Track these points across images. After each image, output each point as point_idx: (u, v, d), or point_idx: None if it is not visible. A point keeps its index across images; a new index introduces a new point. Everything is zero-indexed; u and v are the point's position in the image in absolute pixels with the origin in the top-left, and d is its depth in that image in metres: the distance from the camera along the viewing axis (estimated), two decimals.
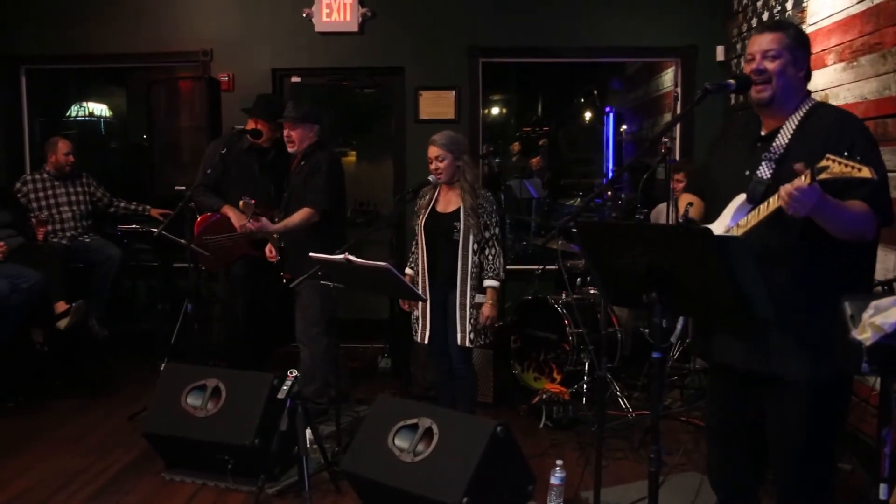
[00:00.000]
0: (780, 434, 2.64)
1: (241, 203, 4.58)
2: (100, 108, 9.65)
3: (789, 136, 2.52)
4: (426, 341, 4.35)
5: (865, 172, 2.13)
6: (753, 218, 2.44)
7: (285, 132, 4.77)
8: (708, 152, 3.07)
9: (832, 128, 2.44)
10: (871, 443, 3.90)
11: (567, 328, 5.28)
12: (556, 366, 5.39)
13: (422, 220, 4.32)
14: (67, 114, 9.26)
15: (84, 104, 9.48)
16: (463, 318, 4.18)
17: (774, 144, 2.54)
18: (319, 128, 4.82)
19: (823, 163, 2.18)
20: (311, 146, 4.77)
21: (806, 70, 2.59)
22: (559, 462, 3.75)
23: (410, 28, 6.59)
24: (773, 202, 2.36)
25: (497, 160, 7.34)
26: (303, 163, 4.78)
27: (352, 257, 3.75)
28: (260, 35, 6.63)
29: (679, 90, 6.68)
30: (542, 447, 4.53)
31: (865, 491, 3.62)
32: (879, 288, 3.47)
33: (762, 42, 2.56)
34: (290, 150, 4.81)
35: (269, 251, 4.89)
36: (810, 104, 2.57)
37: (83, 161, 6.27)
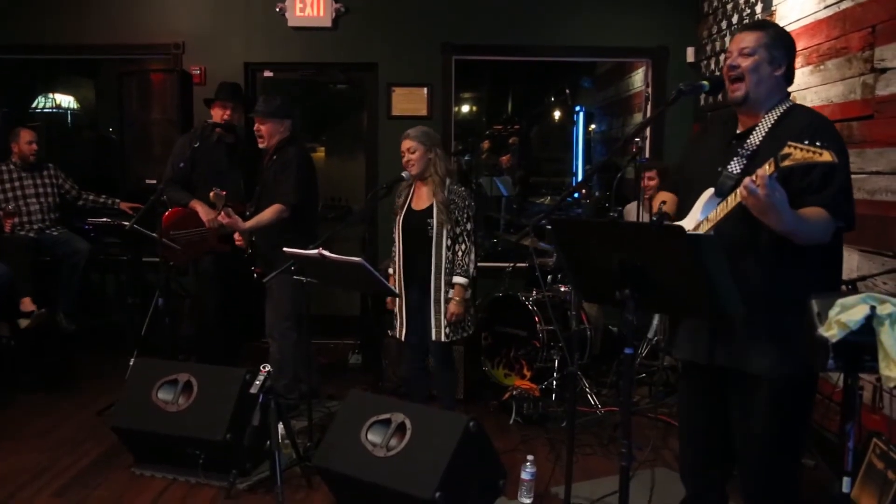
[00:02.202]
0: (746, 429, 2.69)
1: (211, 194, 4.54)
2: (67, 100, 9.51)
3: (763, 135, 2.56)
4: (404, 338, 4.37)
5: (827, 156, 2.17)
6: (721, 210, 2.48)
7: (255, 126, 4.75)
8: (686, 150, 3.12)
9: (805, 128, 2.47)
10: (834, 439, 3.98)
11: (537, 325, 5.32)
12: (526, 362, 5.42)
13: (399, 219, 4.33)
14: (34, 105, 9.12)
15: (51, 95, 9.34)
16: (437, 312, 4.19)
17: (748, 142, 2.58)
18: (291, 122, 4.81)
19: (786, 150, 2.22)
20: (283, 141, 4.75)
21: (785, 70, 2.62)
22: (530, 457, 3.79)
23: (384, 24, 6.59)
24: (732, 200, 2.42)
25: (466, 158, 7.36)
26: (274, 157, 4.76)
27: (326, 252, 3.75)
28: (232, 29, 6.60)
29: (650, 91, 6.76)
30: (513, 443, 4.56)
31: (828, 486, 3.70)
32: (844, 287, 3.54)
33: (740, 40, 2.61)
34: (259, 144, 4.79)
35: (237, 236, 4.81)
36: (787, 105, 2.61)
37: (50, 153, 6.18)
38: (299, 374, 4.75)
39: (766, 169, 2.25)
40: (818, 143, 2.19)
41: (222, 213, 4.55)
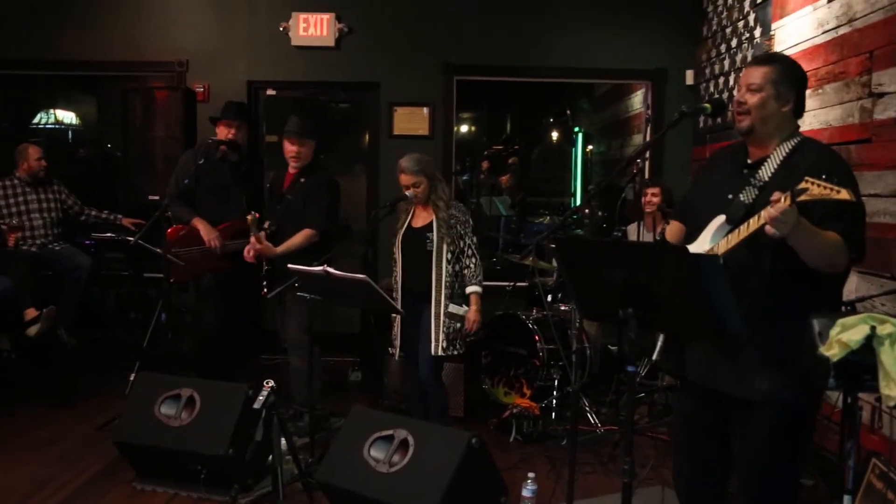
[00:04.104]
0: (747, 450, 2.71)
1: (249, 217, 4.54)
2: (68, 116, 9.56)
3: (775, 167, 2.57)
4: (398, 355, 4.44)
5: (844, 194, 2.19)
6: (733, 238, 2.49)
7: (293, 148, 4.73)
8: (695, 178, 3.14)
9: (816, 161, 2.49)
10: (833, 458, 4.01)
11: (538, 344, 5.34)
12: (526, 381, 5.44)
13: (398, 239, 4.40)
14: (35, 121, 9.16)
15: (51, 111, 9.38)
16: (437, 326, 4.25)
17: (759, 172, 2.59)
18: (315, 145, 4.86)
19: (803, 185, 2.23)
20: (311, 164, 4.81)
21: (793, 105, 2.62)
22: (531, 475, 3.81)
23: (386, 44, 6.66)
24: (753, 223, 2.42)
25: (465, 177, 7.37)
26: (302, 179, 4.78)
27: (331, 269, 3.79)
28: (236, 47, 6.66)
29: (650, 112, 6.82)
30: (513, 461, 4.57)
31: None
32: (843, 308, 3.58)
33: (748, 75, 2.64)
34: (293, 165, 4.78)
35: (247, 252, 4.74)
36: (798, 139, 2.62)
37: (50, 169, 6.21)
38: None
39: (783, 202, 2.26)
40: (836, 181, 2.20)
41: (254, 238, 4.58)
